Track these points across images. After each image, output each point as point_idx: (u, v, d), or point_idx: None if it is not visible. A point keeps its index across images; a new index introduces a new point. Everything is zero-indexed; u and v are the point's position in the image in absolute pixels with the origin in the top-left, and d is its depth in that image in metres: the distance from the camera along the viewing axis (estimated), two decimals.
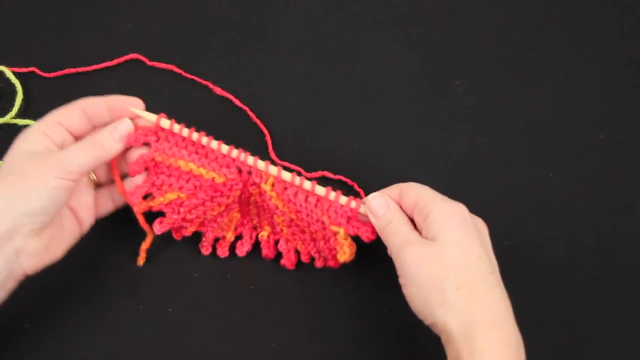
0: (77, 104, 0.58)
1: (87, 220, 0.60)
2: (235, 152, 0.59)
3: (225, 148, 0.59)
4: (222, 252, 0.64)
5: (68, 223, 0.58)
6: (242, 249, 0.63)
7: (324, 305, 0.63)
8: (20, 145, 0.56)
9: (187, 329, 0.61)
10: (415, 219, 0.56)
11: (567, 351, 0.62)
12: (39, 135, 0.56)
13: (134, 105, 0.59)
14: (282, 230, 0.62)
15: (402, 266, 0.53)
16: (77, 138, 0.58)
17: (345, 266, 0.60)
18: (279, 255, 0.63)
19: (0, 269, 0.53)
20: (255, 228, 0.63)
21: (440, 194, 0.56)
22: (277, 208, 0.60)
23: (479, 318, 0.50)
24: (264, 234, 0.63)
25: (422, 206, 0.55)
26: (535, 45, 0.75)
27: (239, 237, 0.64)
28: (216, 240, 0.64)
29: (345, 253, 0.58)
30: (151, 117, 0.59)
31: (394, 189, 0.58)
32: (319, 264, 0.62)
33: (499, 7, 0.77)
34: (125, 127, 0.58)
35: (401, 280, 0.54)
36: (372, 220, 0.57)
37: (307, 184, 0.58)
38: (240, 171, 0.59)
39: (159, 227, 0.60)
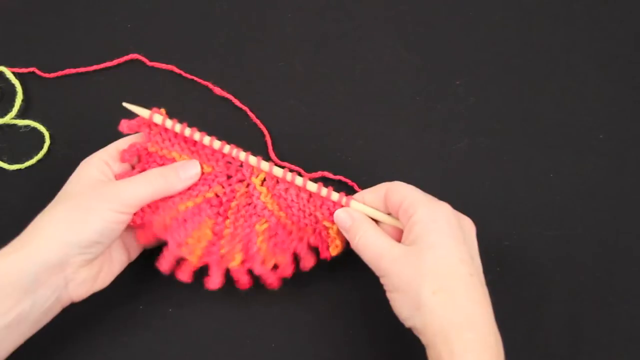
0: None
1: (136, 249, 0.60)
2: (227, 148, 0.59)
3: (217, 144, 0.59)
4: (183, 276, 0.57)
5: (117, 253, 0.58)
6: (214, 282, 0.57)
7: (324, 305, 0.63)
8: (83, 173, 0.56)
9: (187, 329, 0.61)
10: (400, 219, 0.56)
11: (567, 351, 0.62)
12: (101, 164, 0.56)
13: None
14: (259, 249, 0.58)
15: (381, 274, 0.54)
16: (135, 168, 0.59)
17: (345, 267, 0.60)
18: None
19: (48, 297, 0.53)
20: (222, 257, 0.58)
21: (426, 193, 0.56)
22: (265, 207, 0.59)
23: (457, 321, 0.49)
24: (234, 264, 0.57)
25: (407, 206, 0.54)
26: (535, 45, 0.75)
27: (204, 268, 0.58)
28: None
29: (337, 247, 0.58)
30: (144, 113, 0.59)
31: (380, 188, 0.58)
32: (307, 264, 0.60)
33: (499, 7, 0.77)
34: (194, 169, 0.58)
35: (382, 282, 0.54)
36: (345, 234, 0.58)
37: (299, 180, 0.58)
38: (229, 163, 0.59)
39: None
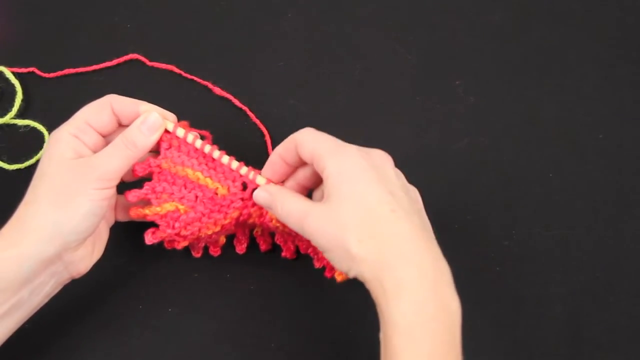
0: (106, 103, 0.56)
1: (111, 217, 0.60)
2: (244, 169, 0.58)
3: (235, 164, 0.58)
4: (215, 251, 0.63)
5: (102, 223, 0.58)
6: (241, 247, 0.63)
7: (324, 305, 0.63)
8: (55, 152, 0.54)
9: (187, 329, 0.61)
10: (318, 173, 0.55)
11: (567, 351, 0.62)
12: (71, 140, 0.54)
13: (168, 118, 0.58)
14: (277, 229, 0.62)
15: (309, 238, 0.53)
16: (106, 137, 0.57)
17: None
18: (276, 249, 0.63)
19: (47, 282, 0.53)
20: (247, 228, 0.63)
21: (333, 138, 0.54)
22: (278, 228, 0.59)
23: (387, 260, 0.49)
24: (258, 230, 0.63)
25: (317, 161, 0.53)
26: (535, 44, 0.75)
27: (230, 237, 0.64)
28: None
29: (340, 274, 0.58)
30: (168, 125, 0.58)
31: (290, 142, 0.56)
32: (318, 264, 0.61)
33: (499, 7, 0.77)
34: (153, 119, 0.56)
35: (316, 245, 0.53)
36: (270, 212, 0.57)
37: None
38: (245, 187, 0.59)
39: (150, 238, 0.58)
